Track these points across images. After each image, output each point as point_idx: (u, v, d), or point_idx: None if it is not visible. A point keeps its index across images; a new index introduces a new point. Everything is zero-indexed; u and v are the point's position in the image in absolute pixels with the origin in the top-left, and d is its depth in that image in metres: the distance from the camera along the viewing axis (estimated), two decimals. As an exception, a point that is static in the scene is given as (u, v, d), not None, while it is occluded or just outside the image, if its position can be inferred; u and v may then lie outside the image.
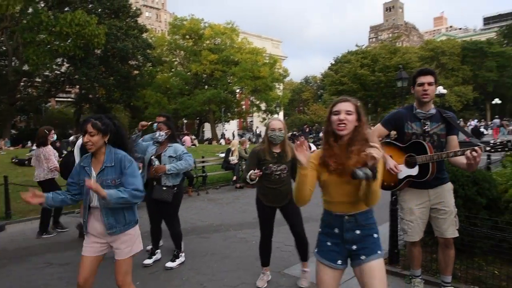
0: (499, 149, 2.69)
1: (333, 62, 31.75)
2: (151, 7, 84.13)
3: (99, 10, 29.51)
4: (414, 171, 3.12)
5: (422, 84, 3.15)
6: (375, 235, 2.20)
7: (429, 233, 3.52)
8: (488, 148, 2.72)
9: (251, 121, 49.91)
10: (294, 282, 3.96)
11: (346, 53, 31.04)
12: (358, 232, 2.17)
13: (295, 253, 4.09)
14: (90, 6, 28.64)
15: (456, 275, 3.67)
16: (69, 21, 21.59)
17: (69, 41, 23.18)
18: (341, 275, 2.24)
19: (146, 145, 4.63)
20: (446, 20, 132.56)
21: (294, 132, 31.54)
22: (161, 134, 4.46)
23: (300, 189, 2.13)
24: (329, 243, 2.22)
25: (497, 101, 45.93)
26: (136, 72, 33.83)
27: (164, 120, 4.66)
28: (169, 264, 4.50)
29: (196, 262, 4.68)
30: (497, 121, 34.28)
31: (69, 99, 39.92)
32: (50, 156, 6.01)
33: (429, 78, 3.15)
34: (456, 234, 3.19)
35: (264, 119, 32.06)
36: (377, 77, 24.41)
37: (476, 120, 38.47)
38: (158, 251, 4.81)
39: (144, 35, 33.65)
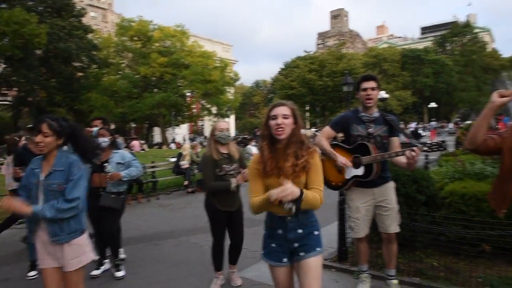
0: (435, 149, 2.90)
1: (283, 67, 32.38)
2: (96, 6, 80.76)
3: (40, 8, 27.84)
4: (360, 171, 3.28)
5: (365, 89, 3.33)
6: (316, 232, 2.28)
7: (375, 229, 3.70)
8: (425, 148, 2.92)
9: (202, 125, 49.48)
10: (249, 284, 3.98)
11: (295, 58, 31.80)
12: (300, 231, 2.23)
13: (249, 255, 4.12)
14: (30, 3, 26.94)
15: (399, 268, 3.89)
16: (5, 19, 20.15)
17: (6, 40, 21.61)
18: (291, 270, 2.31)
19: None
20: (387, 29, 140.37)
21: (246, 136, 31.76)
22: (104, 141, 4.28)
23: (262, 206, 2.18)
24: (273, 245, 2.27)
25: (433, 105, 49.51)
26: (80, 74, 32.25)
27: (105, 127, 4.50)
28: (95, 272, 4.36)
29: (148, 271, 4.55)
30: (433, 123, 36.82)
31: (6, 102, 37.18)
32: None
33: (372, 84, 3.33)
34: (398, 229, 3.38)
35: (215, 122, 32.04)
36: (324, 82, 25.27)
37: (415, 123, 41.02)
38: (106, 261, 4.62)
39: (90, 35, 32.20)
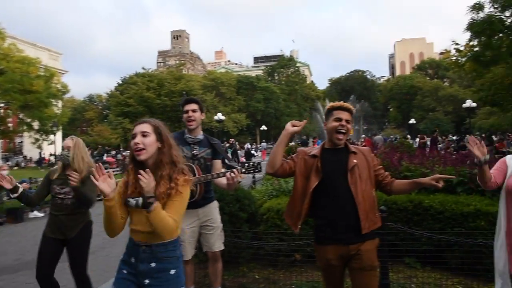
0: (251, 171, 3.14)
1: (120, 82, 30.70)
2: None
3: None
4: None
5: (187, 112, 3.41)
6: (173, 271, 1.99)
7: (201, 250, 3.75)
8: (243, 170, 3.13)
9: (21, 142, 42.50)
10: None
11: (133, 74, 30.69)
12: (153, 265, 1.98)
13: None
14: None
15: (226, 285, 4.03)
16: None
17: None
18: None
19: None
20: (225, 55, 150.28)
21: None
22: None
23: (109, 220, 1.93)
24: (125, 271, 2.04)
25: (264, 127, 54.92)
26: None
27: None
28: None
29: None
30: (264, 144, 40.60)
31: None
32: None
33: (193, 106, 3.43)
34: (223, 247, 3.51)
35: (37, 139, 27.77)
36: (163, 101, 25.08)
37: (248, 144, 44.50)
38: None
39: None
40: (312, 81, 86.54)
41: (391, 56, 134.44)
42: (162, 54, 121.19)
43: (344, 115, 2.44)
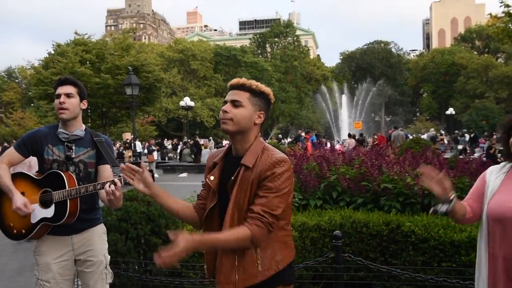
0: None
1: (52, 52, 30.22)
2: None
3: None
4: (50, 211, 3.19)
5: (59, 96, 3.28)
6: None
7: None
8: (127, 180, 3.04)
9: None
10: None
11: (67, 42, 30.19)
12: None
13: None
14: None
15: None
16: None
17: None
18: None
19: None
20: (201, 18, 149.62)
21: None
22: None
23: None
24: None
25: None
26: None
27: None
28: None
29: None
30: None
31: None
32: None
33: (68, 89, 3.30)
34: (107, 289, 3.42)
35: None
36: (103, 79, 24.63)
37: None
38: None
39: None
40: (317, 56, 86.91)
41: (426, 23, 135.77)
42: (113, 15, 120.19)
43: (231, 96, 2.32)
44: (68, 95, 3.30)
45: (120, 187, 3.03)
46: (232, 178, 2.26)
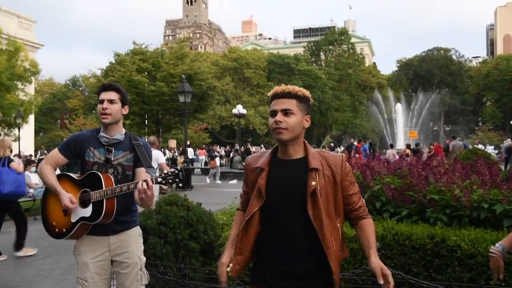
0: (170, 180, 3.08)
1: (113, 61, 31.50)
2: None
3: None
4: (88, 211, 3.28)
5: (102, 102, 3.39)
6: None
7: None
8: (159, 180, 3.08)
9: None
10: None
11: (127, 52, 31.29)
12: None
13: None
14: None
15: None
16: None
17: None
18: None
19: None
20: (256, 27, 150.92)
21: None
22: None
23: None
24: None
25: (304, 126, 54.53)
26: None
27: None
28: None
29: None
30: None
31: None
32: None
33: (111, 95, 3.41)
34: (142, 292, 3.46)
35: (-3, 134, 28.90)
36: (158, 87, 25.28)
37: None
38: None
39: None
40: (373, 63, 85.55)
41: (490, 28, 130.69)
42: (171, 25, 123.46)
43: (279, 105, 2.35)
44: (110, 101, 3.41)
45: (151, 186, 3.07)
46: (313, 183, 2.31)
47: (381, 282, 2.14)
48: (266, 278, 2.41)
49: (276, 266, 2.38)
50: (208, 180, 21.94)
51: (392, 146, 24.85)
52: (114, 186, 3.29)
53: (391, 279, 2.16)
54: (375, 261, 2.24)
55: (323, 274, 2.31)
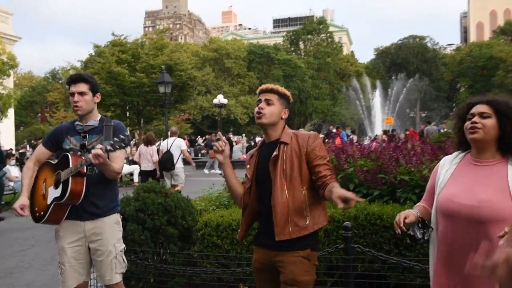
0: (117, 147, 3.12)
1: (92, 53, 31.04)
2: None
3: None
4: (58, 191, 3.32)
5: (72, 94, 3.44)
6: None
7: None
8: (109, 148, 3.10)
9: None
10: None
11: (106, 43, 30.90)
12: None
13: None
14: None
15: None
16: None
17: None
18: None
19: None
20: (236, 17, 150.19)
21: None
22: None
23: None
24: None
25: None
26: None
27: None
28: None
29: None
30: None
31: None
32: None
33: (81, 87, 3.45)
34: (118, 279, 3.48)
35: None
36: (138, 78, 25.05)
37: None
38: None
39: None
40: (351, 52, 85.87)
41: (464, 16, 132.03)
42: (151, 16, 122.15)
43: (264, 96, 2.91)
44: (81, 93, 3.47)
45: (103, 155, 3.09)
46: (274, 153, 2.80)
47: (341, 206, 2.39)
48: (260, 239, 2.97)
49: (264, 228, 2.89)
50: (206, 171, 21.80)
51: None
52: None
53: (352, 203, 2.41)
54: (338, 190, 2.51)
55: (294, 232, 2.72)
